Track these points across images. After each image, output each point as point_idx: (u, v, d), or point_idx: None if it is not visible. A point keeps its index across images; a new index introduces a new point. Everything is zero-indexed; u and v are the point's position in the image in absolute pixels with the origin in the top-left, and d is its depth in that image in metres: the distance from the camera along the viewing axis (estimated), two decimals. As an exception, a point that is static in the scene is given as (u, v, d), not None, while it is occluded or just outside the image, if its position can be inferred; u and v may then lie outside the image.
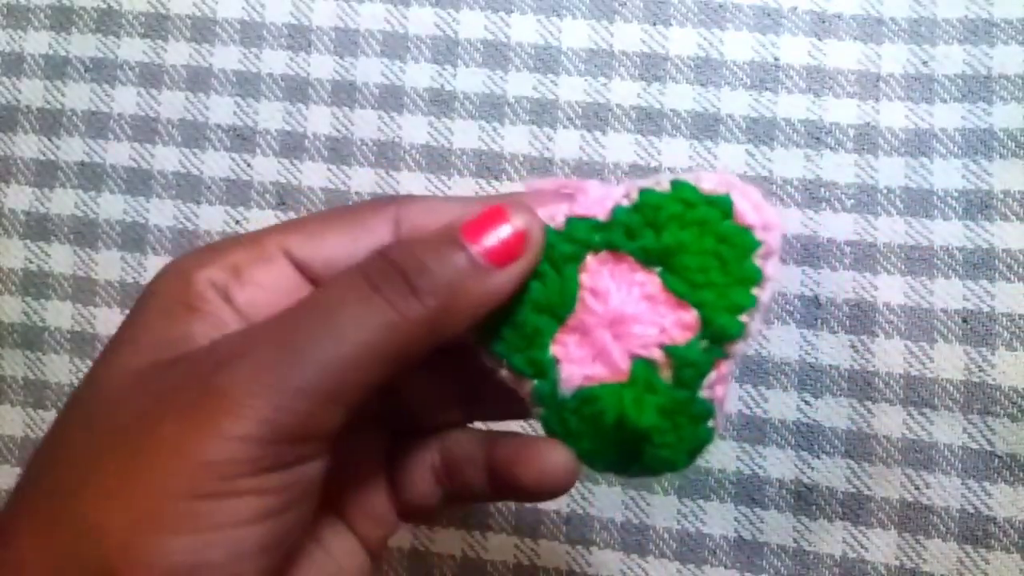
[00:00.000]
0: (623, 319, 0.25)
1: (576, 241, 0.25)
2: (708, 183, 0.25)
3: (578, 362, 0.25)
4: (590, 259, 0.25)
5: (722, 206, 0.25)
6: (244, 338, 0.23)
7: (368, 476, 0.28)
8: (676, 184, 0.25)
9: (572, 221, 0.26)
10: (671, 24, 0.43)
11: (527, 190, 0.27)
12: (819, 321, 0.40)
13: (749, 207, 0.25)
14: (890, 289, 0.40)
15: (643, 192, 0.25)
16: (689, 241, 0.25)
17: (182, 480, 0.20)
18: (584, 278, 0.25)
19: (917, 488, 0.39)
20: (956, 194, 0.40)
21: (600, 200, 0.26)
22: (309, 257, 0.25)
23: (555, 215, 0.26)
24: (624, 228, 0.25)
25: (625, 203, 0.25)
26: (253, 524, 0.21)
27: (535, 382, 0.25)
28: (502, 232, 0.24)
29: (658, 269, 0.25)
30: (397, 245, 0.24)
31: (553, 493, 0.26)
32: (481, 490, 0.28)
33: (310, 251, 0.25)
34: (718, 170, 0.26)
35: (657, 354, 0.25)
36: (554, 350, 0.25)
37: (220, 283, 0.25)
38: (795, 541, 0.39)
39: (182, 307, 0.24)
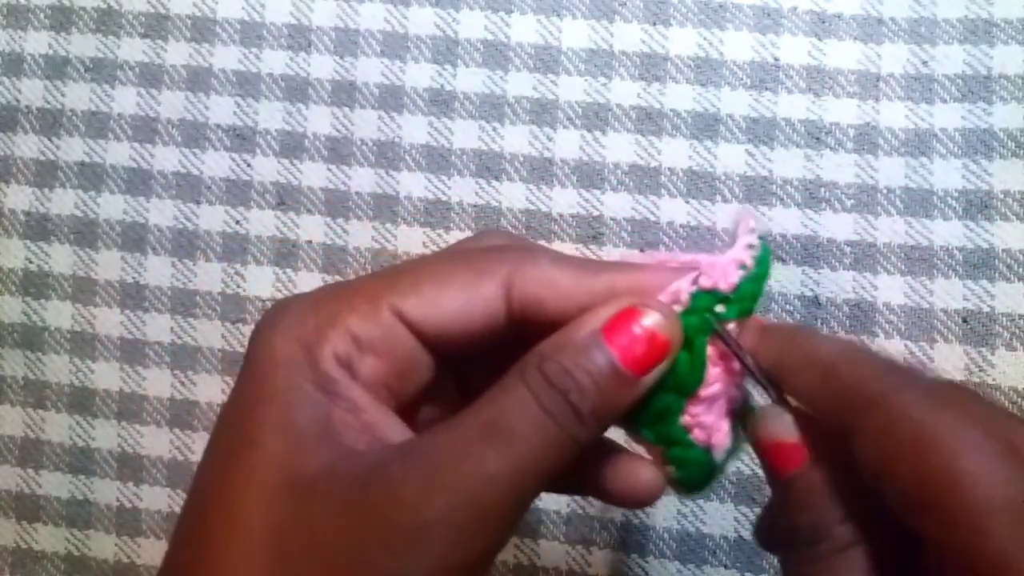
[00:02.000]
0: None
1: (703, 317, 0.25)
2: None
3: (712, 428, 0.26)
4: (717, 333, 0.26)
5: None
6: (429, 468, 0.22)
7: None
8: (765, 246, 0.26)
9: (698, 296, 0.26)
10: (671, 24, 0.43)
11: (644, 262, 0.27)
12: (819, 321, 0.40)
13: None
14: (890, 289, 0.40)
15: (761, 257, 0.26)
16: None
17: None
18: (711, 352, 0.26)
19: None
20: (956, 194, 0.40)
21: (723, 272, 0.26)
22: (422, 321, 0.25)
23: (679, 294, 0.26)
24: (751, 296, 0.26)
25: (744, 273, 0.26)
26: None
27: (670, 450, 0.26)
28: (643, 336, 0.24)
29: None
30: (553, 362, 0.23)
31: (639, 505, 0.28)
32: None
33: (424, 316, 0.25)
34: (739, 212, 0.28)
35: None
36: (684, 420, 0.26)
37: (343, 357, 0.24)
38: (795, 541, 0.39)
39: (318, 389, 0.24)
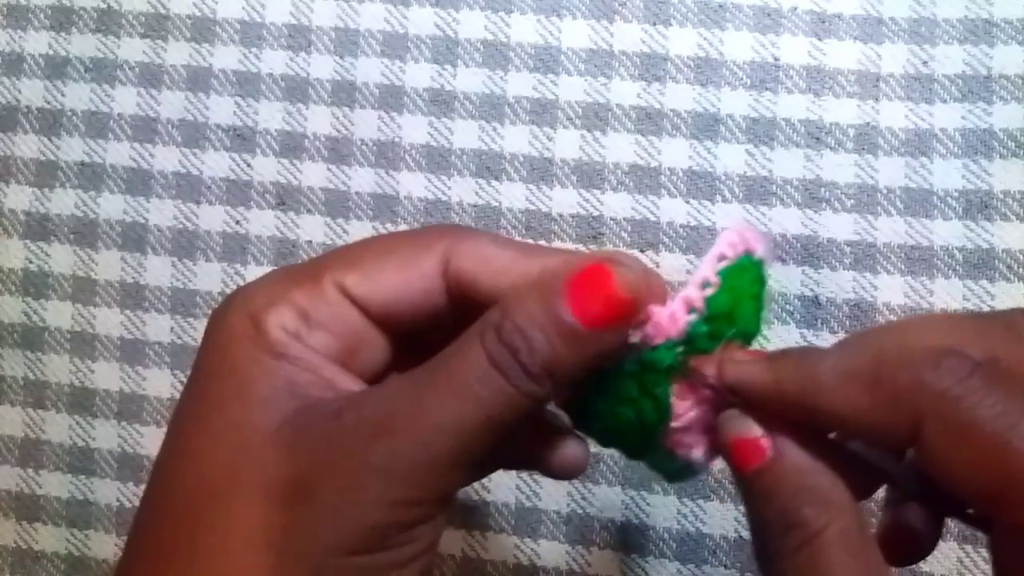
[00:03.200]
0: None
1: (661, 368, 0.25)
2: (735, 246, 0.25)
3: (692, 445, 0.25)
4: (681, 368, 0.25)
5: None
6: (384, 408, 0.24)
7: None
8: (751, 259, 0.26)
9: (650, 354, 0.25)
10: (671, 24, 0.43)
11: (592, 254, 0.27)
12: (819, 321, 0.40)
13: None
14: (890, 289, 0.40)
15: (714, 297, 0.25)
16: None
17: (342, 539, 0.23)
18: (679, 389, 0.25)
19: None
20: (956, 194, 0.40)
21: (672, 320, 0.24)
22: (365, 296, 0.26)
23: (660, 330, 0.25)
24: (706, 336, 0.25)
25: (695, 317, 0.24)
26: (401, 571, 0.24)
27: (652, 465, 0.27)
28: (602, 293, 0.23)
29: None
30: (507, 321, 0.23)
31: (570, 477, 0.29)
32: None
33: (366, 291, 0.26)
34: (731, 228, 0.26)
35: None
36: (665, 444, 0.25)
37: (292, 328, 0.25)
38: (795, 541, 0.39)
39: (269, 355, 0.24)
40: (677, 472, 0.26)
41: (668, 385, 0.25)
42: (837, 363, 0.23)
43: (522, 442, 0.27)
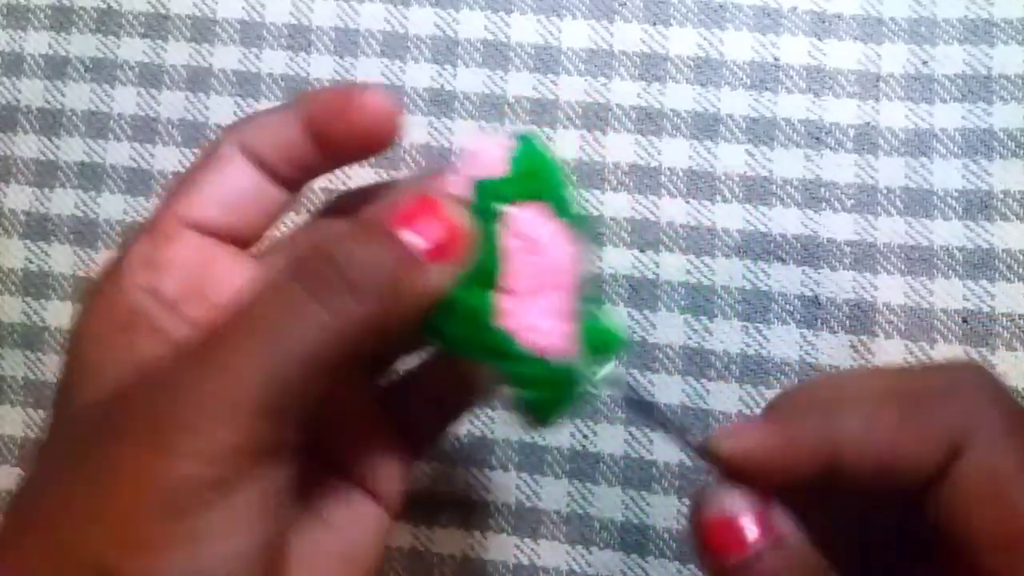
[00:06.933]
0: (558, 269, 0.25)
1: (488, 200, 0.24)
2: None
3: (542, 331, 0.24)
4: (506, 214, 0.24)
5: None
6: (181, 361, 0.22)
7: (366, 428, 0.28)
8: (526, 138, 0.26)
9: (481, 184, 0.24)
10: (671, 24, 0.43)
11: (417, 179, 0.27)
12: (819, 321, 0.40)
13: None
14: (890, 289, 0.40)
15: (523, 141, 0.25)
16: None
17: (152, 501, 0.20)
18: (512, 243, 0.24)
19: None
20: (956, 194, 0.40)
21: (494, 158, 0.25)
22: (199, 218, 0.25)
23: (458, 185, 0.24)
24: (524, 177, 0.25)
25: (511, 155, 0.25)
26: (230, 536, 0.21)
27: (500, 365, 0.24)
28: (437, 227, 0.23)
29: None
30: (329, 240, 0.22)
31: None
32: None
33: (195, 213, 0.25)
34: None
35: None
36: (503, 323, 0.23)
37: (145, 284, 0.24)
38: (795, 541, 0.39)
39: (117, 330, 0.24)
40: (533, 379, 0.24)
41: (495, 225, 0.24)
42: (858, 405, 0.22)
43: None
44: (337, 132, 0.25)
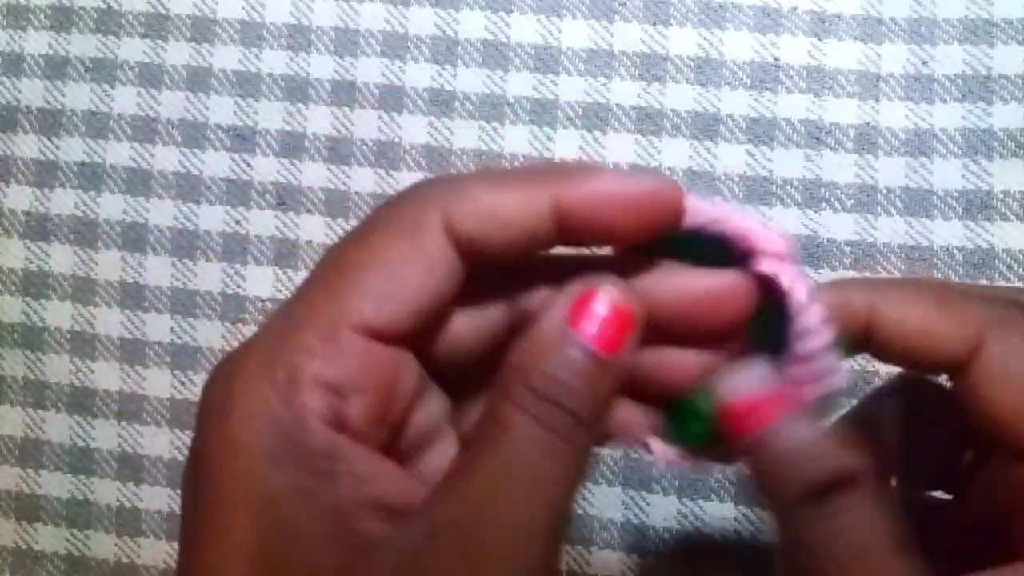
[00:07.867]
0: None
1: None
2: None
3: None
4: None
5: None
6: (465, 548, 0.20)
7: None
8: None
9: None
10: (671, 24, 0.43)
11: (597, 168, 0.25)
12: (819, 321, 0.40)
13: None
14: (890, 289, 0.40)
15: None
16: None
17: None
18: None
19: (917, 488, 0.39)
20: (956, 194, 0.40)
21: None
22: (386, 325, 0.21)
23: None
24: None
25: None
26: None
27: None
28: (607, 315, 0.21)
29: None
30: (536, 372, 0.21)
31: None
32: None
33: (387, 319, 0.21)
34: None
35: None
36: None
37: (327, 414, 0.20)
38: (795, 541, 0.39)
39: (306, 474, 0.20)
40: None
41: None
42: (900, 286, 0.24)
43: None
44: (615, 224, 0.22)
